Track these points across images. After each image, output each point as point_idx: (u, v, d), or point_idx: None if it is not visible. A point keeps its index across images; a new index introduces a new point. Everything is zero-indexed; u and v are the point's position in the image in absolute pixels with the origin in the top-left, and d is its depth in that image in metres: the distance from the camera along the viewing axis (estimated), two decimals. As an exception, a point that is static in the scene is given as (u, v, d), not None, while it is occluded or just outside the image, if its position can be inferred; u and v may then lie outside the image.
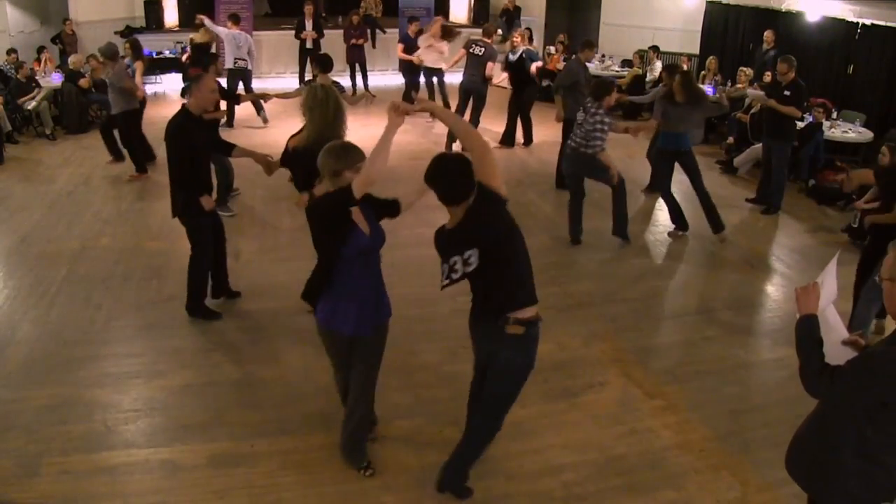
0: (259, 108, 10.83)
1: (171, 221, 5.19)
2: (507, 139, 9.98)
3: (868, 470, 2.35)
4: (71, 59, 10.68)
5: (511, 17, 14.66)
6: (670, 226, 7.48)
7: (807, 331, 2.47)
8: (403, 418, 4.16)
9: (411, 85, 11.33)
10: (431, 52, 10.73)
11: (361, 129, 10.00)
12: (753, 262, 6.62)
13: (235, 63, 10.67)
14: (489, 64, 9.51)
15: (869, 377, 2.27)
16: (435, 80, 11.03)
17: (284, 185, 7.43)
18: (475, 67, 9.55)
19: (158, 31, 13.42)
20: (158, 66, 12.78)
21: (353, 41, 12.38)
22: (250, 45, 10.90)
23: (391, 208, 3.52)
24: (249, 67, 10.89)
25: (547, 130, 10.86)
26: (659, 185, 7.31)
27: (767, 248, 7.01)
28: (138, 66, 8.75)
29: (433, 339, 4.99)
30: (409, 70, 11.22)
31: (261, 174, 7.48)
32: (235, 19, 10.91)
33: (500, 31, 11.65)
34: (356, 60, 12.60)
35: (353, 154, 3.30)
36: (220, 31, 10.72)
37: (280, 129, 10.73)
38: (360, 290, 3.39)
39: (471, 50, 9.60)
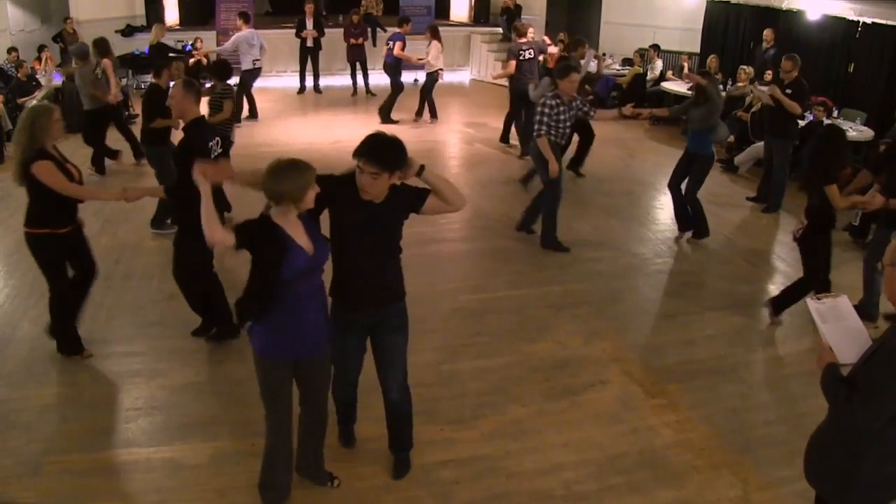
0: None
1: (172, 220, 5.18)
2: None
3: (889, 473, 2.35)
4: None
5: (512, 16, 14.64)
6: (671, 225, 7.49)
7: (829, 375, 2.46)
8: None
9: (398, 87, 11.23)
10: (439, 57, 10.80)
11: (362, 129, 10.04)
12: (754, 260, 6.61)
13: (254, 63, 10.80)
14: (543, 56, 9.92)
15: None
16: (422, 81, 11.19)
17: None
18: (529, 70, 9.52)
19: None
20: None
21: (353, 40, 12.38)
22: (262, 42, 10.98)
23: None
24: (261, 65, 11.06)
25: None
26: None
27: (768, 246, 7.01)
28: (106, 65, 8.43)
29: (433, 338, 4.99)
30: (398, 71, 11.20)
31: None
32: (246, 18, 10.97)
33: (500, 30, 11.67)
34: (357, 59, 12.62)
35: (309, 169, 2.97)
36: (231, 40, 10.84)
37: (279, 127, 10.75)
38: (304, 313, 3.10)
39: (521, 57, 9.47)
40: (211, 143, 4.52)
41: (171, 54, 10.47)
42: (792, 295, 5.23)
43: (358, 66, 12.71)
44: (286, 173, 2.92)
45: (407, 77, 11.69)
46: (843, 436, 2.44)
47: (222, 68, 7.67)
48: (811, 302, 2.62)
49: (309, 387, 3.36)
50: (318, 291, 3.19)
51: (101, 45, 8.56)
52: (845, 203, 4.97)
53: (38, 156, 4.28)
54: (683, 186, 6.81)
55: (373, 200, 3.13)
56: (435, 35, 10.75)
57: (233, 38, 10.88)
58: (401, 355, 3.49)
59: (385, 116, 11.02)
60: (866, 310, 5.17)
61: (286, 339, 3.12)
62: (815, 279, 5.08)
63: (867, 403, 2.30)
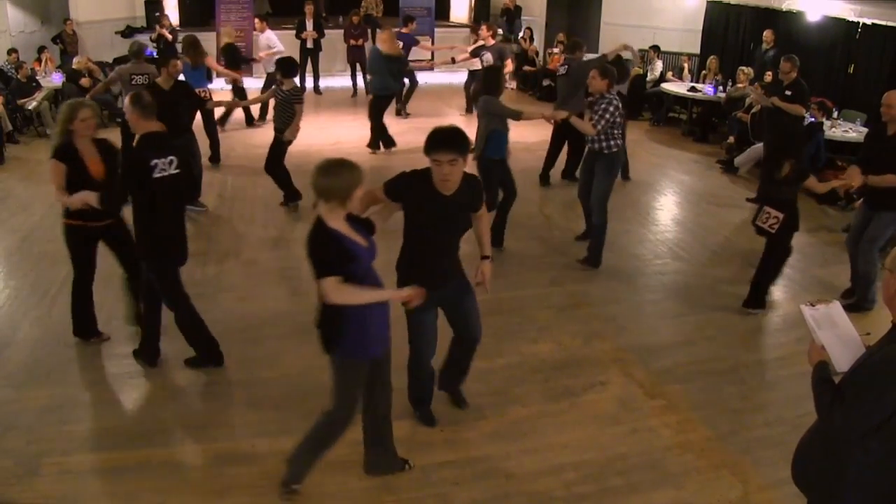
0: (226, 117, 10.54)
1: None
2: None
3: (873, 482, 2.33)
4: (76, 60, 10.69)
5: (512, 17, 14.65)
6: (671, 226, 7.50)
7: (818, 374, 2.45)
8: (404, 418, 4.15)
9: (414, 83, 11.46)
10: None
11: (362, 130, 10.06)
12: (754, 260, 6.57)
13: None
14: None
15: (887, 385, 2.20)
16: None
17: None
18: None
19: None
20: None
21: (353, 41, 12.41)
22: None
23: (369, 227, 3.33)
24: None
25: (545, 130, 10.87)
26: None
27: (768, 247, 7.00)
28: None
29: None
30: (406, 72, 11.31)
31: (261, 174, 7.53)
32: (264, 18, 11.23)
33: (500, 31, 11.73)
34: (357, 60, 12.64)
35: (358, 168, 3.06)
36: (275, 42, 10.99)
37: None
38: (378, 307, 3.21)
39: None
40: (157, 161, 4.11)
41: (241, 58, 10.62)
42: (766, 284, 5.54)
43: (358, 66, 12.73)
44: (335, 170, 3.02)
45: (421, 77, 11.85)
46: (827, 441, 2.41)
47: (290, 65, 7.19)
48: (806, 309, 2.58)
49: (379, 380, 3.43)
50: (378, 283, 3.27)
51: (193, 46, 8.14)
52: (825, 188, 5.31)
53: (55, 152, 4.38)
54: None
55: (445, 192, 3.40)
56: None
57: (269, 39, 11.01)
58: (477, 309, 3.89)
59: (402, 109, 11.27)
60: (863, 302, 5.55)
61: (374, 337, 3.24)
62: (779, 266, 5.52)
63: (848, 412, 2.27)
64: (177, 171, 4.23)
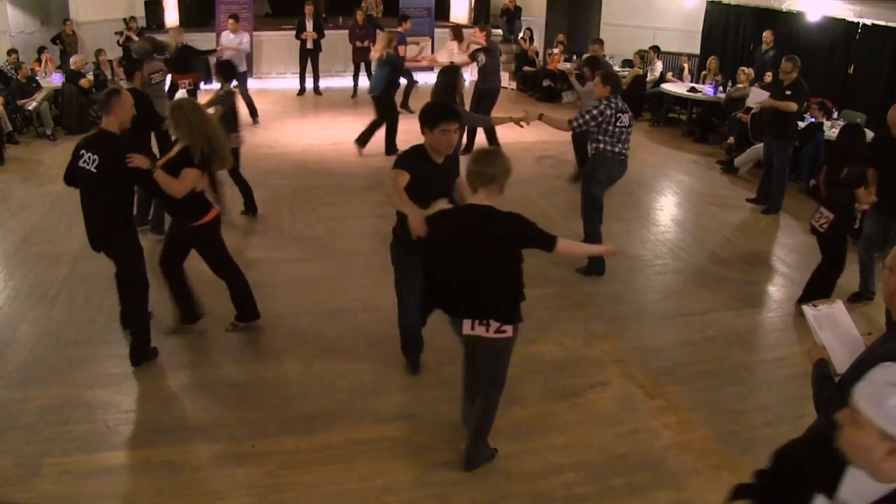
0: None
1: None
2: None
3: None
4: (73, 60, 10.66)
5: (511, 17, 14.65)
6: (671, 226, 7.50)
7: (817, 371, 2.46)
8: (403, 418, 4.16)
9: (411, 82, 11.58)
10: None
11: (362, 131, 10.06)
12: (754, 261, 6.61)
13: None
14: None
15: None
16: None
17: (285, 185, 7.45)
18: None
19: (159, 32, 13.42)
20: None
21: (359, 42, 12.41)
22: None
23: None
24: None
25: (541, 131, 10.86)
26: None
27: (768, 247, 7.01)
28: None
29: (434, 340, 4.97)
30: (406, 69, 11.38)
31: (267, 174, 7.52)
32: (237, 18, 11.08)
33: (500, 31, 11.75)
34: (362, 60, 12.65)
35: (506, 155, 3.43)
36: (247, 41, 11.06)
37: (279, 129, 10.75)
38: None
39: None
40: (84, 152, 4.46)
41: (201, 55, 10.51)
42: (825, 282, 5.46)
43: (363, 67, 12.72)
44: (496, 157, 3.36)
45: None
46: (827, 442, 2.42)
47: (227, 69, 7.18)
48: (808, 309, 2.59)
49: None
50: None
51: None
52: (870, 198, 5.32)
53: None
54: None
55: (438, 160, 3.94)
56: (456, 36, 10.68)
57: (246, 38, 10.98)
58: None
59: (404, 105, 11.31)
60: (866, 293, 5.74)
61: None
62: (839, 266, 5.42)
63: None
64: (94, 170, 4.41)
